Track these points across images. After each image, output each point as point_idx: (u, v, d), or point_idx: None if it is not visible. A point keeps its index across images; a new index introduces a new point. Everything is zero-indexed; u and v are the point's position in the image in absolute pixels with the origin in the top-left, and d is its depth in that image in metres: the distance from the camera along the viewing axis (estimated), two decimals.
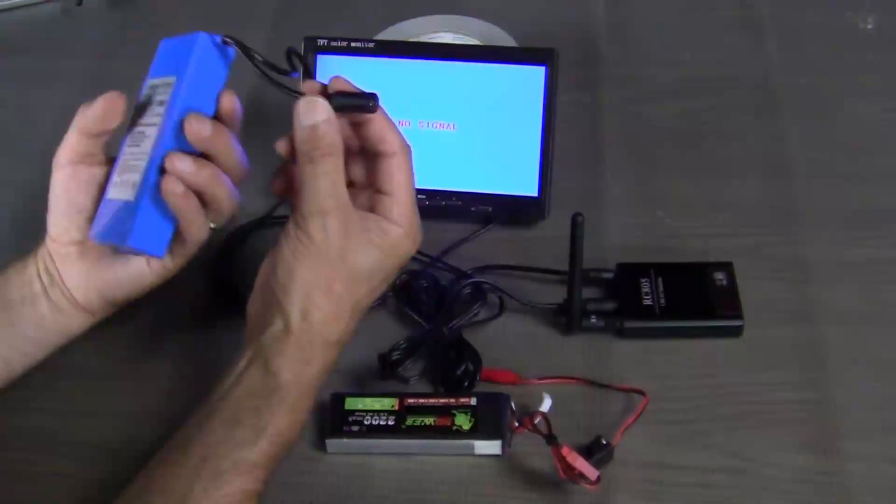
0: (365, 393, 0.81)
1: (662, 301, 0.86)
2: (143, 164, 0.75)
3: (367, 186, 0.76)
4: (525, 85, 0.92)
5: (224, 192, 0.77)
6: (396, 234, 0.74)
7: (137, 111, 0.78)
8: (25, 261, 0.83)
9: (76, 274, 0.81)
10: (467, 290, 0.88)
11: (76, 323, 0.83)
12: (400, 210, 0.75)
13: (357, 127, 0.74)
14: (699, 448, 0.79)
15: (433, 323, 0.85)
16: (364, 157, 0.76)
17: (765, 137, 1.02)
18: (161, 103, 0.76)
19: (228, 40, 0.76)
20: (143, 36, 1.18)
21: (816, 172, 0.98)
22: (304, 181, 0.71)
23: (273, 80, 0.76)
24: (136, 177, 0.75)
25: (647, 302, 0.85)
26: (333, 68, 0.95)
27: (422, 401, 0.80)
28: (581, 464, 0.74)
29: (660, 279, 0.87)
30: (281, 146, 0.74)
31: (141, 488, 0.70)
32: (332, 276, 0.72)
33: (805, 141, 1.01)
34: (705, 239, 0.92)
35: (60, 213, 0.80)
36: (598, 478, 0.73)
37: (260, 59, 0.75)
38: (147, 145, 0.76)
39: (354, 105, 0.73)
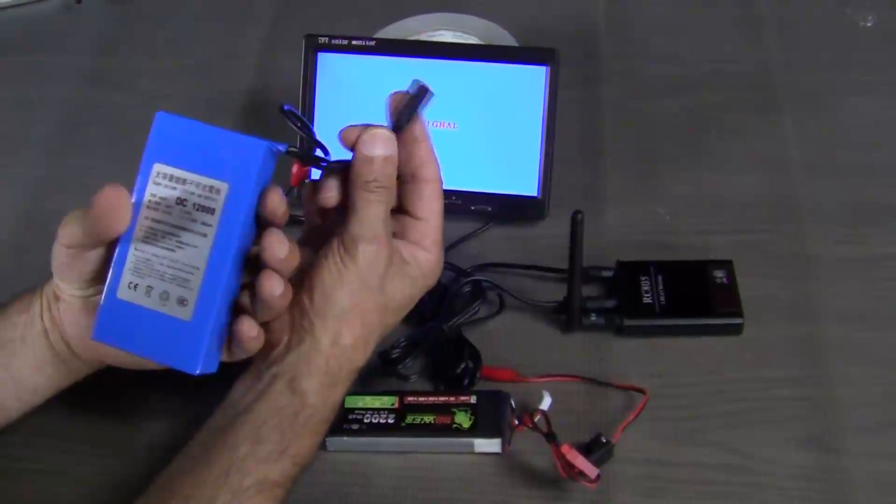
0: (365, 391, 0.81)
1: (662, 299, 0.86)
2: (195, 279, 0.69)
3: (397, 212, 0.76)
4: (526, 85, 0.92)
5: (286, 302, 0.71)
6: (428, 262, 0.75)
7: (151, 201, 0.70)
8: (30, 298, 0.77)
9: (77, 326, 0.75)
10: (467, 288, 0.88)
11: (74, 370, 0.78)
12: (433, 238, 0.75)
13: (402, 147, 0.73)
14: (699, 445, 0.79)
15: (433, 321, 0.85)
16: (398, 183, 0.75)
17: (765, 134, 1.02)
18: (206, 210, 0.69)
19: (293, 150, 0.71)
20: (143, 33, 1.20)
21: (816, 169, 0.98)
22: (356, 207, 0.71)
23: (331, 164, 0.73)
24: (185, 293, 0.69)
25: (647, 300, 0.86)
26: (334, 66, 0.95)
27: (422, 399, 0.80)
28: (581, 462, 0.74)
29: (660, 277, 0.87)
30: (331, 190, 0.73)
31: (163, 492, 0.69)
32: (368, 303, 0.72)
33: (805, 138, 1.01)
34: (705, 236, 0.92)
35: (63, 276, 0.73)
36: (598, 476, 0.73)
37: (295, 150, 0.71)
38: (194, 257, 0.69)
39: (416, 105, 0.73)
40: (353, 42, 0.95)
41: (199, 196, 0.70)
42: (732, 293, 0.86)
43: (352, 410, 0.80)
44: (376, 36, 1.06)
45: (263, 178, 0.70)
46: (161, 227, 0.70)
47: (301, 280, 0.73)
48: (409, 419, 0.79)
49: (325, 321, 0.72)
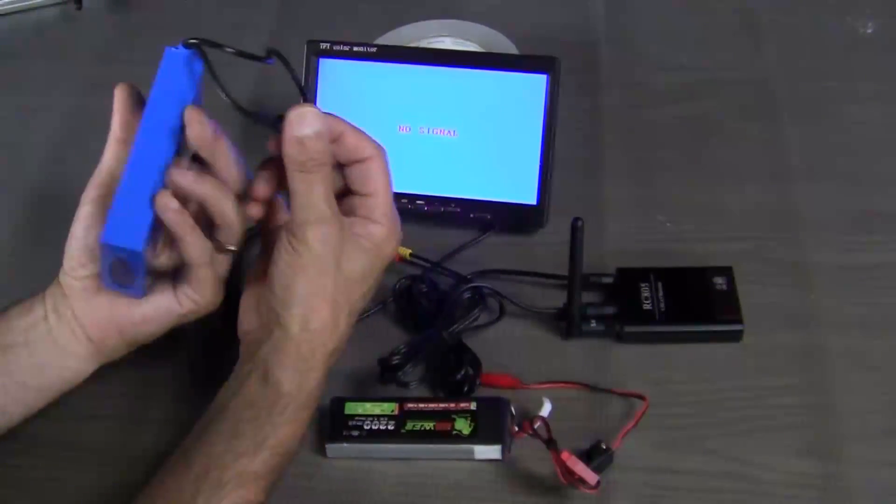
0: (365, 397, 0.81)
1: (662, 305, 0.86)
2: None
3: (344, 194, 0.76)
4: (526, 93, 0.92)
5: (228, 204, 0.74)
6: (381, 233, 0.75)
7: None
8: (31, 302, 0.79)
9: (95, 309, 0.78)
10: (467, 295, 0.88)
11: (79, 367, 0.80)
12: (382, 210, 0.75)
13: (332, 143, 0.74)
14: (699, 453, 0.79)
15: (433, 327, 0.85)
16: (339, 168, 0.76)
17: (765, 142, 1.02)
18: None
19: (192, 42, 0.73)
20: (144, 39, 1.20)
21: (816, 176, 0.98)
22: (297, 191, 0.71)
23: (237, 105, 0.73)
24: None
25: (647, 306, 0.86)
26: (335, 73, 0.95)
27: (422, 405, 0.80)
28: (581, 468, 0.74)
29: (660, 284, 0.87)
30: (272, 145, 0.73)
31: (147, 499, 0.69)
32: (329, 283, 0.72)
33: (805, 145, 1.01)
34: (705, 243, 0.92)
35: (81, 248, 0.76)
36: (598, 482, 0.73)
37: (232, 50, 0.73)
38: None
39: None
40: (355, 48, 0.95)
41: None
42: (732, 300, 0.86)
43: (351, 417, 0.79)
44: (377, 42, 1.06)
45: (176, 78, 0.73)
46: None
47: (263, 277, 0.74)
48: (409, 426, 0.79)
49: (290, 309, 0.72)
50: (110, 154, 0.76)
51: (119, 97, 0.76)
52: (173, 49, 0.74)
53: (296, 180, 0.71)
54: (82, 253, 0.77)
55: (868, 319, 0.87)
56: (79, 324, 0.78)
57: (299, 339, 0.72)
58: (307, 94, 0.81)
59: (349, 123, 0.74)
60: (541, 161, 0.92)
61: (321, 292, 0.72)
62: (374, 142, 0.75)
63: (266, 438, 0.70)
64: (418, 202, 0.93)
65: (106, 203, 0.75)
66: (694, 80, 1.08)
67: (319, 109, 0.71)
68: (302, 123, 0.70)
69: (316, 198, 0.71)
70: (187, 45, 0.73)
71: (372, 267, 0.75)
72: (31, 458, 0.82)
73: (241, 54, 0.73)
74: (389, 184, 0.75)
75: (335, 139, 0.73)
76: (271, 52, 0.74)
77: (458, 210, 0.93)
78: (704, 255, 0.91)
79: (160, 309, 0.78)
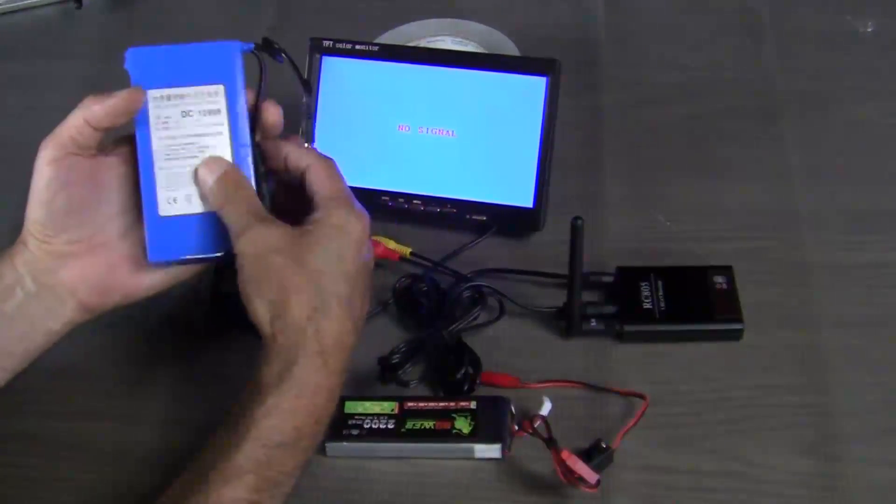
0: (365, 396, 0.81)
1: (662, 304, 0.86)
2: None
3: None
4: (526, 95, 0.92)
5: None
6: (331, 213, 0.74)
7: (159, 122, 0.77)
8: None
9: (93, 275, 0.78)
10: (467, 294, 0.88)
11: (64, 329, 0.79)
12: (323, 193, 0.75)
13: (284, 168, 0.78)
14: (699, 452, 0.79)
15: (433, 326, 0.85)
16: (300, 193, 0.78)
17: (765, 141, 1.02)
18: (213, 112, 0.77)
19: (277, 45, 0.79)
20: (144, 39, 1.19)
21: (816, 176, 0.98)
22: (224, 219, 0.74)
23: None
24: None
25: (647, 305, 0.86)
26: (337, 71, 0.95)
27: (421, 404, 0.80)
28: (581, 467, 0.74)
29: (660, 283, 0.87)
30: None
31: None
32: (282, 274, 0.71)
33: (805, 144, 1.01)
34: (705, 242, 0.92)
35: (48, 213, 0.77)
36: (598, 481, 0.73)
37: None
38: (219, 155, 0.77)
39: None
40: (357, 47, 0.95)
41: (202, 103, 0.77)
42: (732, 299, 0.86)
43: (351, 416, 0.79)
44: (377, 41, 1.06)
45: (239, 75, 0.78)
46: (178, 142, 0.77)
47: None
48: (409, 425, 0.79)
49: (257, 309, 0.71)
50: (79, 121, 0.76)
51: (132, 102, 0.77)
52: (229, 44, 0.78)
53: (222, 214, 0.75)
54: (53, 220, 0.76)
55: (868, 319, 0.87)
56: (69, 290, 0.77)
57: (272, 332, 0.71)
58: (309, 84, 0.86)
59: (293, 146, 0.79)
60: (538, 164, 0.92)
61: (276, 284, 0.71)
62: (313, 153, 0.78)
63: (247, 430, 0.68)
64: (415, 202, 0.93)
65: (78, 162, 0.77)
66: (694, 80, 1.08)
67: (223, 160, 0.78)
68: (210, 172, 0.76)
69: (236, 215, 0.74)
70: (260, 47, 0.79)
71: (341, 250, 0.73)
72: (31, 458, 0.82)
73: (265, 43, 0.79)
74: (330, 178, 0.76)
75: (283, 162, 0.78)
76: (266, 42, 0.80)
77: (455, 211, 0.93)
78: (704, 254, 0.91)
79: (172, 273, 0.79)
